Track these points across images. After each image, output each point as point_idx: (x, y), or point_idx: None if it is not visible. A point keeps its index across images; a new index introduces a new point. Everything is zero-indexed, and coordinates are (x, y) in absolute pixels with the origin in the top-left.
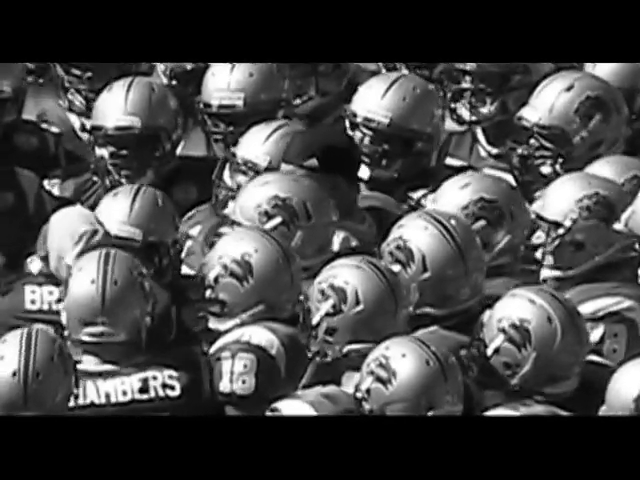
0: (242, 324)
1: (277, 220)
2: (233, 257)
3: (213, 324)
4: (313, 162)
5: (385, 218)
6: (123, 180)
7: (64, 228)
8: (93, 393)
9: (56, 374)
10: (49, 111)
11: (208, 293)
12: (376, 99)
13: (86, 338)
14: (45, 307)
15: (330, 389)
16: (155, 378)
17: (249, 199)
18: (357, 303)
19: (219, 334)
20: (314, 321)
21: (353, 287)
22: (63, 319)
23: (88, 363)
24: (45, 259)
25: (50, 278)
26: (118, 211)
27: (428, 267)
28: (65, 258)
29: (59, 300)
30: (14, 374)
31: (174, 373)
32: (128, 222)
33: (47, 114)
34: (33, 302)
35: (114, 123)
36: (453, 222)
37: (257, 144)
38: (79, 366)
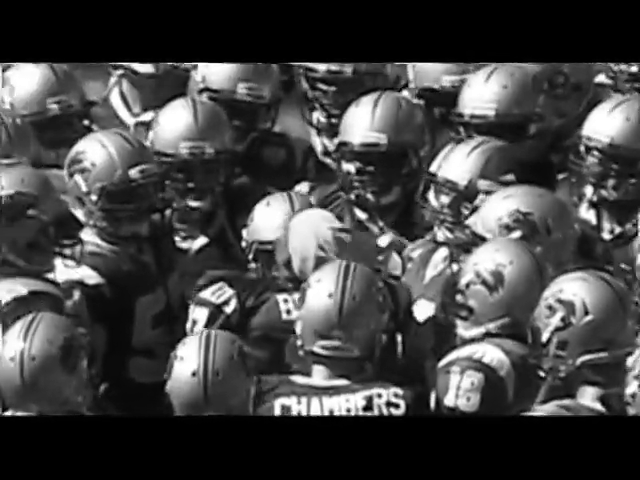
0: (487, 334)
1: (517, 234)
2: (487, 266)
3: (459, 330)
4: (510, 178)
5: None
6: (369, 196)
7: (306, 229)
8: (317, 409)
9: (236, 373)
10: (291, 126)
11: (458, 298)
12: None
13: (319, 351)
14: None
15: (567, 401)
16: (380, 396)
17: (491, 211)
18: (586, 313)
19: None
20: (544, 338)
21: (581, 298)
22: (298, 329)
23: (317, 376)
24: (288, 264)
25: (297, 283)
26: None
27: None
28: (309, 260)
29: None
30: (193, 374)
31: (399, 391)
32: None
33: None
34: (288, 312)
35: (360, 139)
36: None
37: (457, 163)
38: (307, 380)
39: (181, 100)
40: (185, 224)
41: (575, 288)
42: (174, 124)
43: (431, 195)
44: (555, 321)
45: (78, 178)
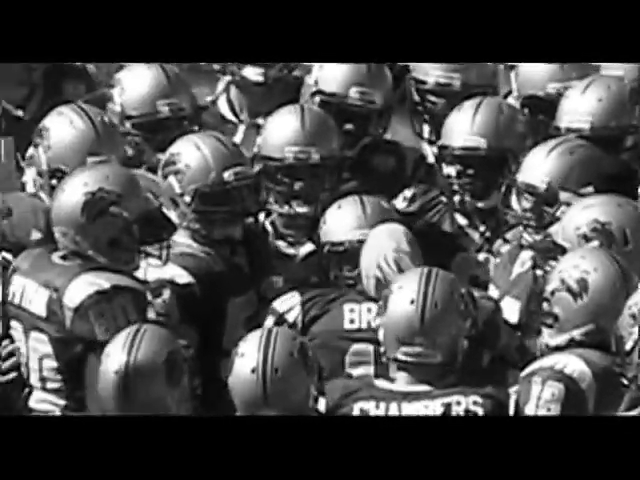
0: (572, 341)
1: (594, 244)
2: (572, 273)
3: (544, 338)
4: (590, 190)
5: None
6: (467, 198)
7: (373, 247)
8: (395, 414)
9: (295, 371)
10: (402, 135)
11: (544, 305)
12: None
13: (402, 357)
14: (364, 326)
15: None
16: (459, 404)
17: (571, 221)
18: None
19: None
20: (628, 346)
21: None
22: (380, 335)
23: (400, 382)
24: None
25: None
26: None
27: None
28: (370, 278)
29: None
30: (253, 371)
31: (479, 399)
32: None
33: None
34: (352, 321)
35: (461, 143)
36: None
37: (535, 166)
38: (389, 385)
39: (289, 106)
40: (291, 229)
41: None
42: (281, 129)
43: (514, 199)
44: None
45: (172, 179)
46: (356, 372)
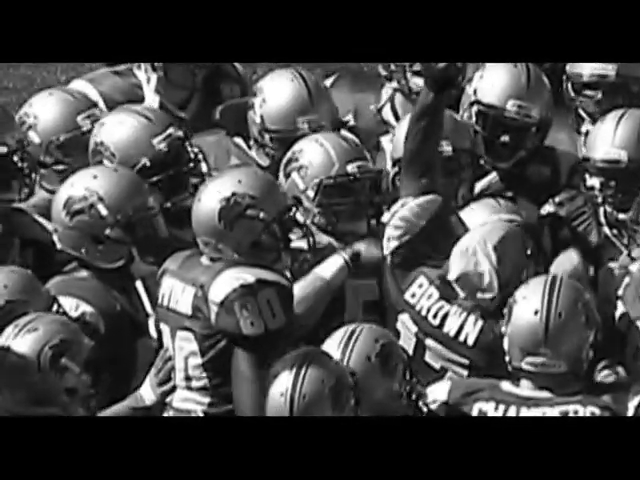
0: None
1: None
2: None
3: None
4: None
5: None
6: (608, 209)
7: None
8: None
9: (372, 374)
10: (559, 139)
11: None
12: None
13: (527, 367)
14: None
15: None
16: (576, 412)
17: None
18: None
19: None
20: None
21: None
22: (505, 344)
23: (524, 386)
24: None
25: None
26: None
27: None
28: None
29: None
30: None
31: (597, 410)
32: None
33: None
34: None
35: (602, 155)
36: None
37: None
38: (512, 389)
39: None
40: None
41: None
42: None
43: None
44: None
45: (295, 176)
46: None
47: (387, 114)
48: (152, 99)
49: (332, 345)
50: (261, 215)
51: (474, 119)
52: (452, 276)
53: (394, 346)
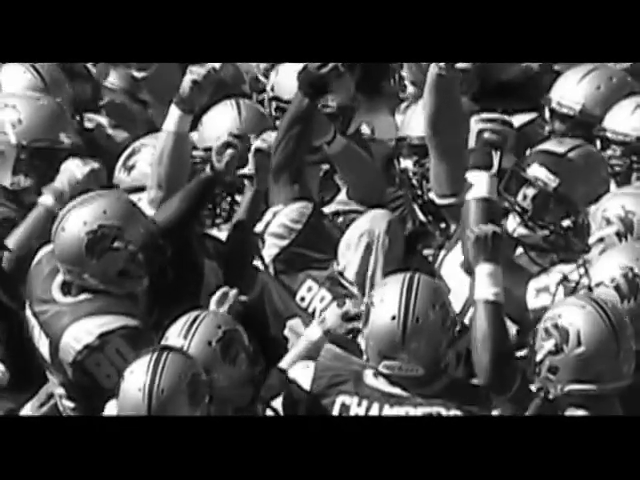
0: None
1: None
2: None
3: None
4: None
5: None
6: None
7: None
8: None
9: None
10: None
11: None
12: None
13: (385, 370)
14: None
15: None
16: (439, 414)
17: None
18: (578, 344)
19: None
20: (537, 358)
21: (576, 329)
22: (362, 345)
23: (383, 380)
24: None
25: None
26: None
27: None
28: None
29: None
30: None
31: (459, 413)
32: None
33: None
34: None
35: (418, 133)
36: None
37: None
38: (375, 382)
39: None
40: None
41: (573, 316)
42: None
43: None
44: (549, 346)
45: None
46: None
47: None
48: None
49: (175, 330)
50: (129, 247)
51: None
52: (350, 273)
53: (237, 333)
